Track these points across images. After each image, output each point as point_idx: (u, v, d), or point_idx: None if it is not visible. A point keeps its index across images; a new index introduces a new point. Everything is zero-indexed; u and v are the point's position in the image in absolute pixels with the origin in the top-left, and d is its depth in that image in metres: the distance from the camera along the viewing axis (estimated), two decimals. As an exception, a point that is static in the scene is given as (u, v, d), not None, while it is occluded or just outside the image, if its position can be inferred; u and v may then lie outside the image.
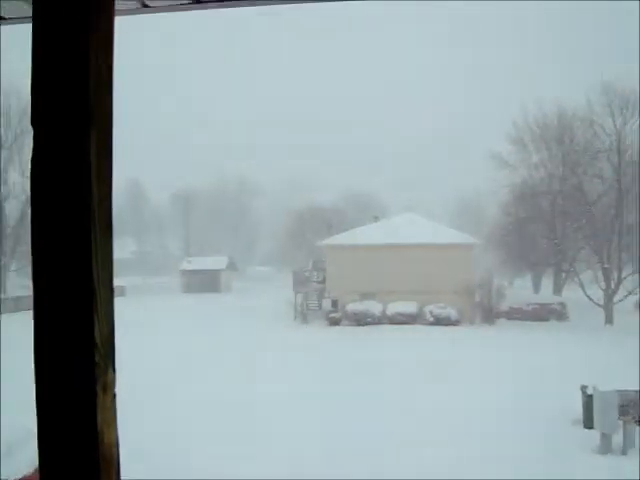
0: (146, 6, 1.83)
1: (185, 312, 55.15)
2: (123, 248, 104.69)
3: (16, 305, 52.05)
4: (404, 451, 16.59)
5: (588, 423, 18.47)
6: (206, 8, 1.93)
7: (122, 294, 69.74)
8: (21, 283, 56.41)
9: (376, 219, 59.57)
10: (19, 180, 59.65)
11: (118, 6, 1.39)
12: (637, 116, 51.96)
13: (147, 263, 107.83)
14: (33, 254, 1.19)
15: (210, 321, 48.87)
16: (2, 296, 58.75)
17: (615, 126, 52.85)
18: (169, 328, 44.41)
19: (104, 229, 1.22)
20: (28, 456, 9.54)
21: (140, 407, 19.37)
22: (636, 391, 17.85)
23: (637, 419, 17.49)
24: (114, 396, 1.25)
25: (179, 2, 1.85)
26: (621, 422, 17.06)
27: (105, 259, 1.22)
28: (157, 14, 1.94)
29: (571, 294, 54.96)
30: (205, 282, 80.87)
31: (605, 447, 16.86)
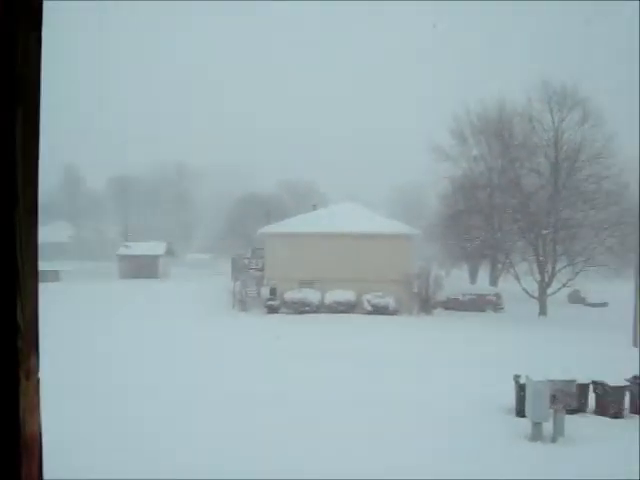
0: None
1: (120, 298, 54.39)
2: (59, 232, 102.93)
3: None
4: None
5: (520, 411, 18.87)
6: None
7: (57, 279, 68.43)
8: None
9: (315, 207, 59.81)
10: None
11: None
12: (574, 112, 53.07)
13: (84, 248, 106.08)
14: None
15: (147, 308, 48.37)
16: None
17: (553, 123, 53.90)
18: (106, 314, 43.85)
19: (29, 211, 1.18)
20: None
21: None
22: (566, 381, 18.27)
23: (567, 408, 17.92)
24: (37, 382, 1.21)
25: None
26: (552, 411, 17.45)
27: (29, 242, 1.18)
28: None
29: (507, 285, 56.00)
30: (143, 267, 79.88)
31: (536, 435, 17.23)
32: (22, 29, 1.15)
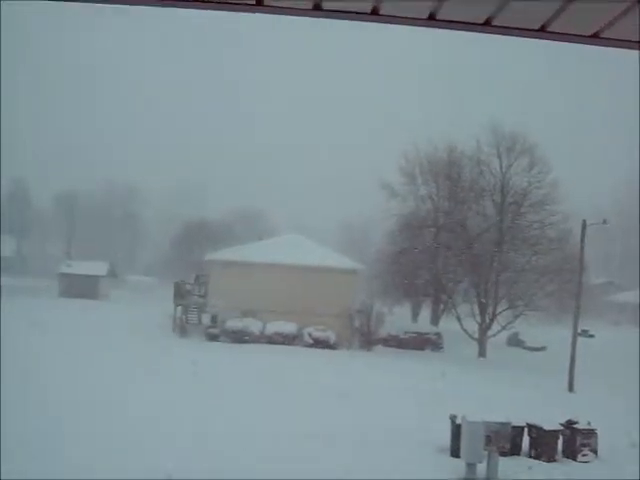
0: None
1: (57, 318, 52.92)
2: (3, 246, 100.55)
3: None
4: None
5: (455, 452, 18.78)
6: None
7: (-6, 293, 66.77)
8: None
9: (260, 238, 59.73)
10: None
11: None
12: (522, 159, 53.94)
13: (27, 264, 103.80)
14: None
15: (80, 329, 47.29)
16: None
17: (501, 167, 54.65)
18: (34, 327, 42.72)
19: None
20: None
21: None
22: (501, 422, 18.28)
23: (501, 450, 17.91)
24: None
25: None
26: (486, 452, 17.41)
27: None
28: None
29: (448, 325, 56.18)
30: (83, 287, 78.39)
31: (469, 476, 17.15)
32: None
